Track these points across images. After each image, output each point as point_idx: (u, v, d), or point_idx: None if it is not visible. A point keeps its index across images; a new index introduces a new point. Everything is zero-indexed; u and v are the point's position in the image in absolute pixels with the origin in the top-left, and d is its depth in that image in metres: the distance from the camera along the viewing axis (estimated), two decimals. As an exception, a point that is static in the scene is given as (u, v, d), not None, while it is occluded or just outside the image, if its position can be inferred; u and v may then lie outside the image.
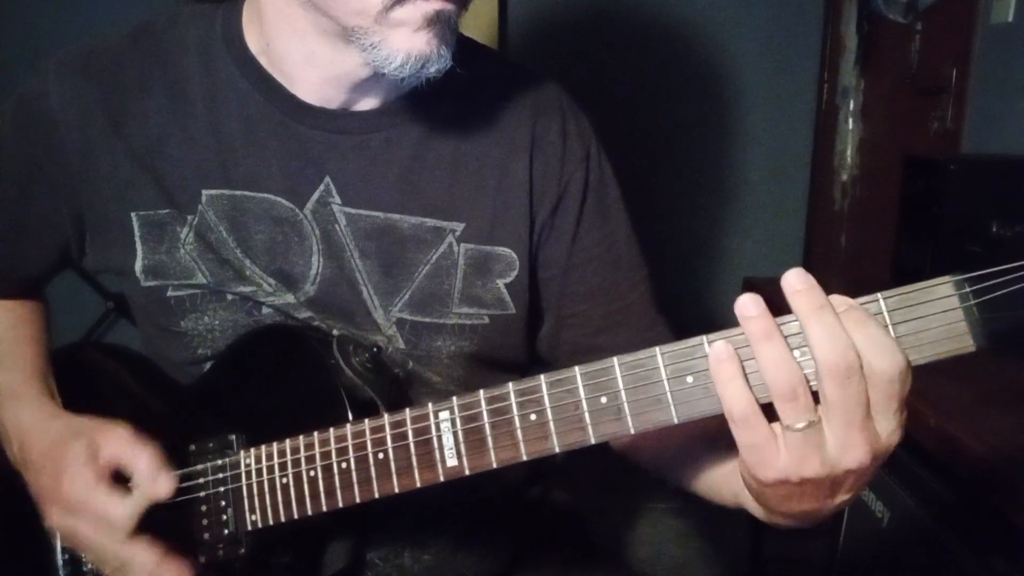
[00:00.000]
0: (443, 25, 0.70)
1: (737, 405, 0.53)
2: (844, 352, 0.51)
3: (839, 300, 0.53)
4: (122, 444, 0.75)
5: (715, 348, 0.54)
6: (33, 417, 0.83)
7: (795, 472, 0.54)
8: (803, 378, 0.52)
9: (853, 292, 0.54)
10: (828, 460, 0.53)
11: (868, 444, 0.53)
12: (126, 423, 0.77)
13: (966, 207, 1.46)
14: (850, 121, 2.17)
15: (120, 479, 0.76)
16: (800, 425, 0.53)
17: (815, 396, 0.53)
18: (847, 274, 2.19)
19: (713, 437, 0.69)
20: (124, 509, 0.73)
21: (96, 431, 0.77)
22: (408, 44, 0.69)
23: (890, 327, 0.52)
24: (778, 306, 0.54)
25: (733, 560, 2.04)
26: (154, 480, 0.74)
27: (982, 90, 1.90)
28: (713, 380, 0.54)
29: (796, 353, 0.53)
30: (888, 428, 0.53)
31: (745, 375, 0.53)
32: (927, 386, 1.14)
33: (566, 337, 0.90)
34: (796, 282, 0.52)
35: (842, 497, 0.57)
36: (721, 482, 0.71)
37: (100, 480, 0.74)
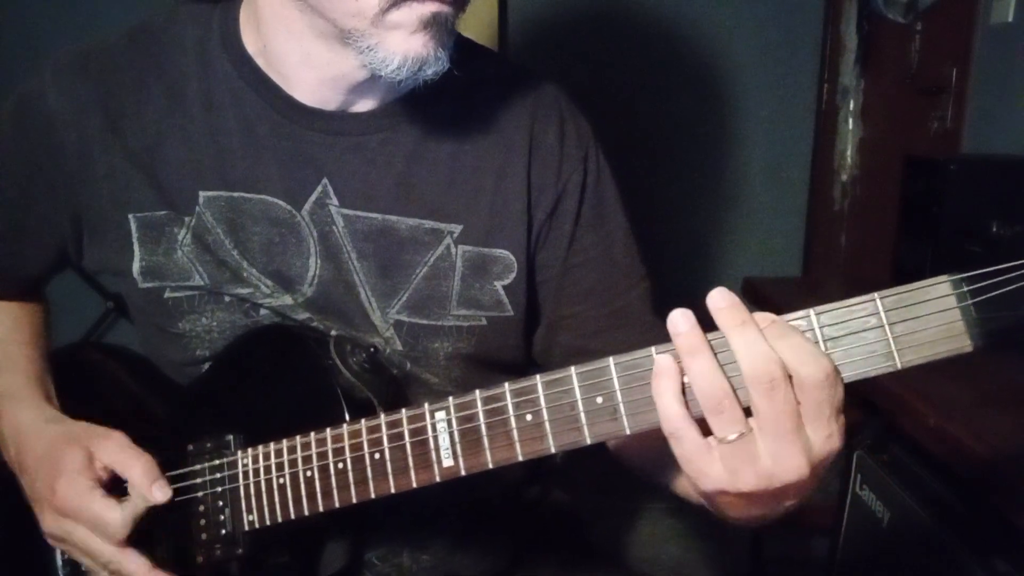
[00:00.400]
0: (440, 27, 0.70)
1: (667, 418, 0.55)
2: (766, 363, 0.52)
3: (762, 316, 0.54)
4: (118, 451, 0.76)
5: (658, 361, 0.55)
6: (31, 421, 0.83)
7: (731, 484, 0.55)
8: (730, 391, 0.53)
9: (853, 292, 0.54)
10: (763, 472, 0.54)
11: (803, 455, 0.53)
12: (122, 430, 0.78)
13: (966, 207, 1.46)
14: (850, 121, 2.17)
15: (116, 485, 0.77)
16: (731, 437, 0.54)
17: (749, 412, 0.54)
18: (847, 274, 2.19)
19: None
20: (119, 515, 0.74)
21: (92, 438, 0.78)
22: (405, 46, 0.69)
23: (886, 327, 0.52)
24: (779, 306, 0.55)
25: (733, 560, 2.04)
26: (149, 487, 0.75)
27: (982, 90, 1.90)
28: (653, 392, 0.55)
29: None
30: (822, 436, 0.53)
31: (681, 389, 0.55)
32: (927, 386, 1.14)
33: (561, 339, 0.89)
34: (719, 300, 0.54)
35: (789, 503, 0.58)
36: (688, 483, 0.71)
37: (95, 486, 0.75)
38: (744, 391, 0.53)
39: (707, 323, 0.56)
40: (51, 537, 0.80)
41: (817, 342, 0.54)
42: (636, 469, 0.85)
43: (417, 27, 0.68)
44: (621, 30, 2.16)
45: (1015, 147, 1.72)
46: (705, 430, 0.55)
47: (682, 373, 0.55)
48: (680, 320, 0.54)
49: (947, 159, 1.54)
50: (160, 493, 0.75)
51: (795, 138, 2.24)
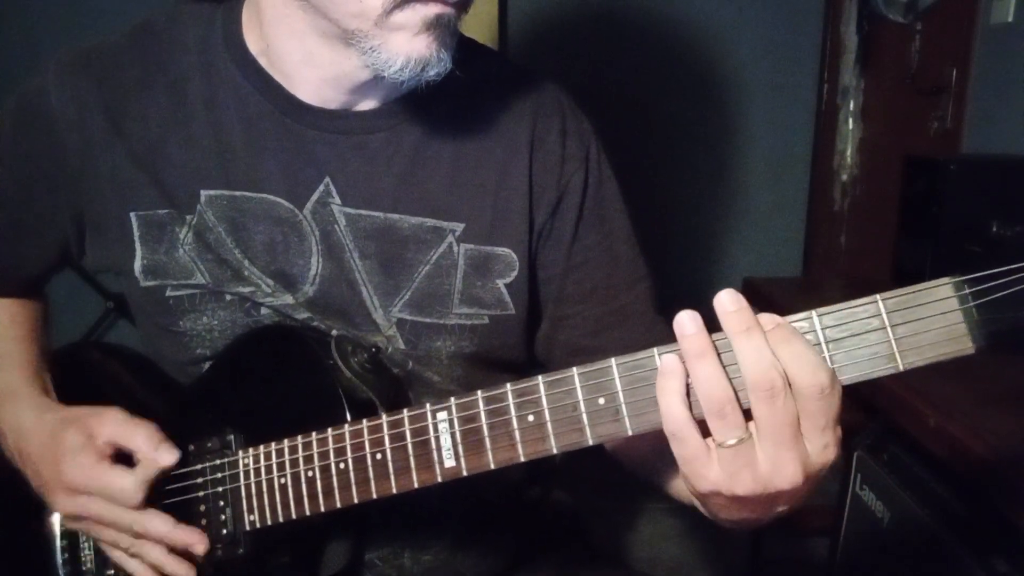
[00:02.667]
0: (443, 29, 0.70)
1: (670, 419, 0.55)
2: (768, 370, 0.52)
3: (768, 319, 0.54)
4: (116, 424, 0.77)
5: (664, 361, 0.55)
6: (30, 415, 0.83)
7: (727, 487, 0.55)
8: (733, 396, 0.54)
9: (853, 292, 0.54)
10: (760, 478, 0.55)
11: (799, 463, 0.54)
12: (119, 406, 0.79)
13: (966, 207, 1.46)
14: (850, 121, 2.17)
15: (121, 460, 0.77)
16: (731, 441, 0.54)
17: (749, 416, 0.54)
18: (847, 274, 2.19)
19: None
20: (132, 480, 0.75)
21: (89, 416, 0.79)
22: (408, 48, 0.69)
23: (888, 329, 0.52)
24: (779, 307, 0.54)
25: (733, 560, 2.04)
26: (155, 450, 0.76)
27: (982, 90, 1.90)
28: (656, 392, 0.56)
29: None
30: (819, 446, 0.54)
31: (686, 390, 0.55)
32: (927, 386, 1.14)
33: (563, 338, 0.89)
34: (728, 304, 0.54)
35: (781, 508, 0.59)
36: (681, 485, 0.71)
37: (101, 459, 0.76)
38: (744, 393, 0.54)
39: (714, 324, 0.56)
40: (68, 518, 0.81)
41: (819, 343, 0.54)
42: (631, 470, 0.85)
43: (420, 28, 0.69)
44: (621, 30, 2.17)
45: (1015, 147, 1.73)
46: (705, 431, 0.56)
47: (687, 374, 0.55)
48: (687, 322, 0.54)
49: (947, 159, 1.54)
50: (167, 454, 0.76)
51: (795, 138, 2.25)
